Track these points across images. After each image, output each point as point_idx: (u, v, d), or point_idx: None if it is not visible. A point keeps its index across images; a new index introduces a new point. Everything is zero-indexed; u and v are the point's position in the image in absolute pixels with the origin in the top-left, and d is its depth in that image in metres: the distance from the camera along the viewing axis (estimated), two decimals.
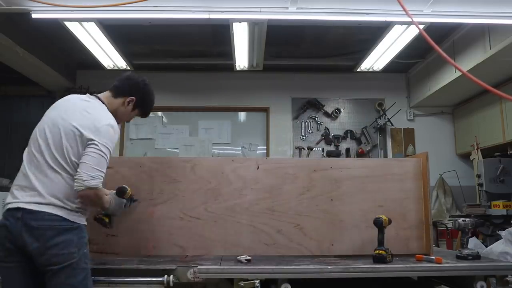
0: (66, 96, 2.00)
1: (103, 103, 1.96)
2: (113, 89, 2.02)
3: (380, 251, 2.13)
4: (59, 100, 1.98)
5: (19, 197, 1.76)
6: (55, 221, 1.72)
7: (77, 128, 1.80)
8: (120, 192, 2.10)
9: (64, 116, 1.85)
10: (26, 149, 1.89)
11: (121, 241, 2.38)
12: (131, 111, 2.05)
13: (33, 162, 1.82)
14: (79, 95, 2.00)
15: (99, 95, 2.00)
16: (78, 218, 1.80)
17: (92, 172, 1.74)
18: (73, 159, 1.78)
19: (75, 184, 1.73)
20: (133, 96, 2.01)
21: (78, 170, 1.75)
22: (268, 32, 4.13)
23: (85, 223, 1.86)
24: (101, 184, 1.78)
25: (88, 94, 2.00)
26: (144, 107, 2.09)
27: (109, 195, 2.01)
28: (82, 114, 1.85)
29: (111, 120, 1.89)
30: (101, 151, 1.78)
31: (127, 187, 2.13)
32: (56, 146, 1.79)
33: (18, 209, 1.72)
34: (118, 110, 2.00)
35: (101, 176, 1.78)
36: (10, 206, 1.76)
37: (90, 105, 1.91)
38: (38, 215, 1.70)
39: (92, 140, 1.78)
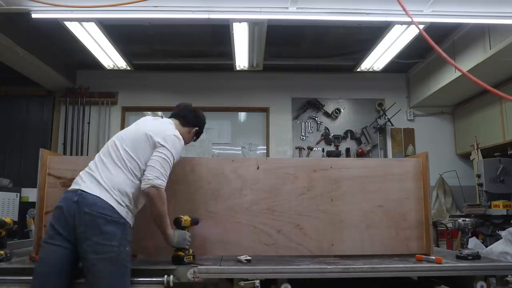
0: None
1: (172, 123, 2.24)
2: (180, 119, 2.30)
3: (179, 252, 2.08)
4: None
5: (80, 183, 1.92)
6: (106, 209, 1.83)
7: (149, 134, 2.03)
8: (176, 222, 2.13)
9: (140, 126, 2.16)
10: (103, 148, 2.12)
11: None
12: (192, 139, 2.38)
13: (102, 158, 2.01)
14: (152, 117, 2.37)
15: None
16: (126, 215, 1.91)
17: (157, 173, 1.94)
18: (141, 159, 1.99)
19: (142, 183, 1.93)
20: (197, 127, 2.35)
21: (145, 172, 1.95)
22: (268, 32, 4.13)
23: (131, 223, 1.98)
24: (164, 185, 1.96)
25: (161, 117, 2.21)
26: (199, 135, 2.42)
27: (173, 229, 2.10)
28: (154, 124, 2.16)
29: (178, 134, 2.14)
30: (167, 156, 2.00)
31: (181, 216, 2.16)
32: (126, 146, 2.02)
33: (75, 192, 1.86)
34: (184, 136, 2.23)
35: (165, 177, 1.97)
36: (69, 188, 1.92)
37: (161, 121, 2.26)
38: (92, 201, 1.83)
39: (160, 144, 2.01)
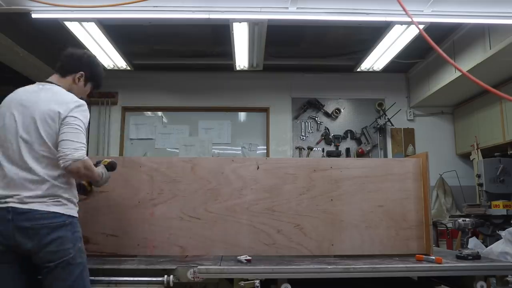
0: (14, 93, 1.96)
1: (58, 85, 1.93)
2: (58, 70, 1.98)
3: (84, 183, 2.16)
4: (8, 98, 1.94)
5: (4, 194, 1.71)
6: (47, 218, 1.70)
7: (51, 111, 1.79)
8: (111, 167, 2.10)
9: (29, 106, 1.82)
10: None
11: (121, 241, 2.38)
12: (84, 87, 2.05)
13: (9, 156, 1.76)
14: (25, 88, 1.96)
15: (47, 80, 1.97)
16: (70, 211, 1.79)
17: (73, 146, 1.75)
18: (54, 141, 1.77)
19: (60, 162, 1.72)
20: (81, 71, 2.00)
21: (59, 148, 1.75)
22: (268, 32, 4.12)
23: (77, 216, 1.84)
24: (85, 155, 1.79)
25: (37, 83, 1.95)
26: (95, 79, 2.09)
27: (100, 167, 2.02)
28: (48, 101, 1.82)
29: (75, 97, 1.88)
30: (76, 124, 1.79)
31: (115, 161, 2.14)
32: (35, 135, 1.77)
33: (6, 209, 1.68)
34: (72, 88, 1.97)
35: (83, 147, 1.79)
36: None
37: (49, 92, 1.88)
38: (29, 215, 1.67)
39: (65, 118, 1.78)
